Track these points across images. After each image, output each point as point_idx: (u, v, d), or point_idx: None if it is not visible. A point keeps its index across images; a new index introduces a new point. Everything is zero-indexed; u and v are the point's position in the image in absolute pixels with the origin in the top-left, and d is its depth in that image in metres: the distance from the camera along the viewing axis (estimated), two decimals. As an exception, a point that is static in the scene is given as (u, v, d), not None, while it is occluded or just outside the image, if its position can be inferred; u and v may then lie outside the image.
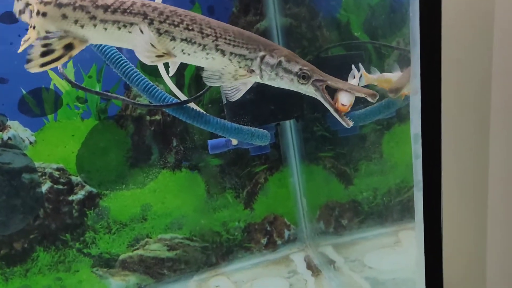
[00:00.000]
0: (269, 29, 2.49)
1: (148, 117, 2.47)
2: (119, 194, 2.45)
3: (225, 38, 1.34)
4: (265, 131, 2.05)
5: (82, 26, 1.31)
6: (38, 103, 2.32)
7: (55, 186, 2.34)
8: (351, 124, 1.36)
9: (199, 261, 2.56)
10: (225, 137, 2.09)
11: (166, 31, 1.31)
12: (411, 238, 2.34)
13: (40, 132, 2.33)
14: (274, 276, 2.51)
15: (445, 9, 1.07)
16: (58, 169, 2.36)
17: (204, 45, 1.33)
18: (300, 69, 1.33)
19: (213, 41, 1.33)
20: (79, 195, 2.39)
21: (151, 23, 1.30)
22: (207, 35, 1.33)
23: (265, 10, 2.47)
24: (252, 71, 1.36)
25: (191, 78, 2.48)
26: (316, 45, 2.44)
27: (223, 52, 1.34)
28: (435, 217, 1.20)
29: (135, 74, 1.78)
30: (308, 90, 1.35)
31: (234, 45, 1.34)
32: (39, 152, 2.33)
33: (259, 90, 2.09)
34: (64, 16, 1.31)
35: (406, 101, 1.84)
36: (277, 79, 1.36)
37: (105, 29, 1.31)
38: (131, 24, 1.31)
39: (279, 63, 1.33)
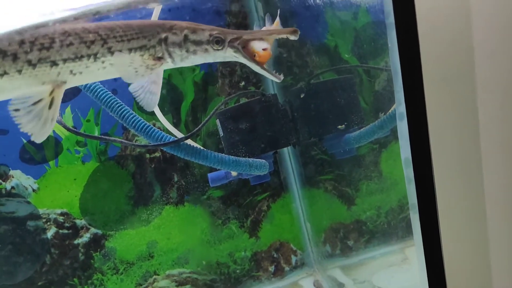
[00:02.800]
0: (259, 60, 2.54)
1: (148, 155, 2.51)
2: (124, 234, 2.47)
3: (114, 37, 1.17)
4: (263, 160, 2.07)
5: None
6: (38, 151, 2.36)
7: (60, 231, 2.36)
8: (281, 78, 1.26)
9: (209, 294, 2.56)
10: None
11: (40, 59, 1.11)
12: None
13: (42, 179, 2.37)
14: (285, 304, 2.51)
15: (423, 35, 1.10)
16: (62, 214, 2.38)
17: (95, 55, 1.15)
18: (210, 35, 1.21)
19: (102, 46, 1.16)
20: (85, 238, 2.41)
21: (15, 58, 1.09)
22: (92, 42, 1.15)
23: (254, 42, 2.53)
24: (160, 58, 1.21)
25: (187, 113, 2.53)
26: (307, 71, 2.49)
27: (120, 53, 1.18)
28: (434, 237, 1.22)
29: (131, 115, 1.82)
30: (226, 54, 1.23)
31: (128, 40, 1.18)
32: (43, 199, 2.36)
33: (254, 120, 2.13)
34: None
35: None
36: (190, 55, 1.23)
37: None
38: None
39: (185, 37, 1.21)
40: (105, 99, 1.78)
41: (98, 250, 2.42)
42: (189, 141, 1.92)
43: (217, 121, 2.21)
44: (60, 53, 1.11)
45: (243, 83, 2.56)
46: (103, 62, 1.16)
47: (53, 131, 2.37)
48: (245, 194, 2.63)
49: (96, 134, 2.43)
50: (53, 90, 1.13)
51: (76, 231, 2.40)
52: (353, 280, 2.40)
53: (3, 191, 2.28)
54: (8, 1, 1.25)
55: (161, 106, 2.08)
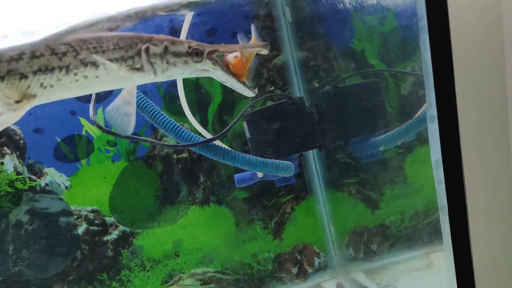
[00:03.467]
0: (286, 63, 2.58)
1: (175, 156, 2.56)
2: (151, 232, 2.53)
3: (88, 49, 1.13)
4: (289, 162, 2.10)
5: None
6: (71, 150, 2.44)
7: (91, 227, 2.43)
8: (255, 92, 1.29)
9: (232, 294, 2.60)
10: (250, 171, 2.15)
11: (9, 71, 1.07)
12: (443, 260, 2.33)
13: (74, 176, 2.45)
14: (308, 306, 2.53)
15: (455, 37, 1.12)
16: (92, 211, 2.45)
17: (67, 66, 1.10)
18: (189, 47, 1.21)
19: (75, 57, 1.11)
20: (113, 235, 2.47)
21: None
22: (65, 54, 1.10)
23: (281, 46, 2.57)
24: (138, 69, 1.19)
25: (214, 115, 2.57)
26: (333, 75, 2.52)
27: (94, 65, 1.13)
28: (463, 240, 1.22)
29: (161, 116, 1.86)
30: (205, 67, 1.23)
31: (103, 51, 1.14)
32: (75, 196, 2.43)
33: (280, 123, 2.16)
34: None
35: (426, 125, 1.88)
36: (171, 67, 1.22)
37: None
38: None
39: (166, 48, 1.20)
40: (136, 99, 1.83)
41: (126, 247, 2.48)
42: (217, 142, 1.95)
43: (244, 123, 2.24)
44: (30, 65, 1.07)
45: (269, 86, 2.60)
46: (75, 74, 1.12)
47: (85, 131, 2.45)
48: (270, 196, 2.66)
49: (127, 134, 2.49)
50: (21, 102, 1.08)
51: (105, 228, 2.47)
52: (377, 284, 2.40)
53: (38, 188, 2.36)
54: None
55: (189, 108, 2.13)
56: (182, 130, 1.87)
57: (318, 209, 2.69)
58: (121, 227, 2.49)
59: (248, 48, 1.25)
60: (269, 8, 2.54)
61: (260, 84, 2.61)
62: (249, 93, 1.30)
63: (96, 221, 2.45)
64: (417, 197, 2.54)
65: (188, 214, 2.57)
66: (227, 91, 2.55)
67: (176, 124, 1.87)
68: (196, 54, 1.21)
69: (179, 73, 1.26)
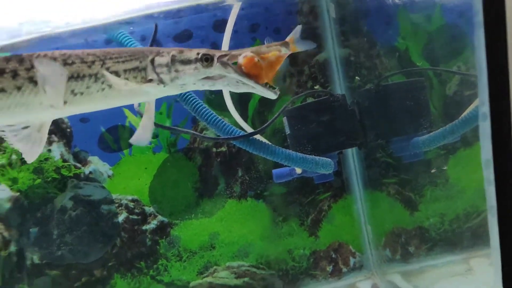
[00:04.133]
0: (328, 60, 2.56)
1: (214, 149, 2.60)
2: (188, 223, 2.57)
3: (111, 59, 1.20)
4: (329, 159, 2.09)
5: None
6: (115, 140, 2.52)
7: (131, 216, 2.49)
8: (277, 93, 1.27)
9: (266, 289, 2.61)
10: (289, 167, 2.15)
11: None
12: (483, 266, 2.27)
13: (116, 166, 2.53)
14: (342, 304, 2.51)
15: (511, 35, 1.09)
16: (133, 200, 2.52)
17: (95, 74, 1.17)
18: (198, 53, 1.23)
19: (102, 66, 1.18)
20: (152, 224, 2.53)
21: (14, 75, 1.10)
22: (93, 62, 1.17)
23: (324, 43, 2.55)
24: (150, 80, 1.23)
25: (254, 110, 2.59)
26: (375, 73, 2.48)
27: (116, 74, 1.20)
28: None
29: (204, 109, 1.89)
30: (216, 71, 1.24)
31: (123, 61, 1.21)
32: (116, 185, 2.51)
33: (321, 119, 2.15)
34: None
35: (472, 125, 1.83)
36: (180, 76, 1.24)
37: None
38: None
39: (173, 58, 1.23)
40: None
41: (164, 237, 2.54)
42: (258, 137, 1.97)
43: (284, 119, 2.24)
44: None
45: (310, 82, 2.59)
46: (102, 83, 1.18)
47: (129, 122, 2.52)
48: (307, 193, 2.66)
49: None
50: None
51: (144, 217, 2.53)
52: (414, 287, 2.36)
53: (82, 175, 2.44)
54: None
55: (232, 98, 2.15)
56: (224, 123, 1.90)
57: (355, 208, 2.67)
58: (160, 217, 2.55)
59: (262, 49, 1.25)
60: (313, 4, 2.53)
61: (301, 80, 2.61)
62: (270, 95, 1.28)
63: (136, 210, 2.51)
64: (458, 200, 2.48)
65: (225, 208, 2.60)
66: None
67: (218, 117, 1.89)
68: (205, 60, 1.22)
69: (192, 82, 1.26)
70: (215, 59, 1.22)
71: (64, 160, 2.43)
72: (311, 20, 2.54)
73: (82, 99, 1.17)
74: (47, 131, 1.24)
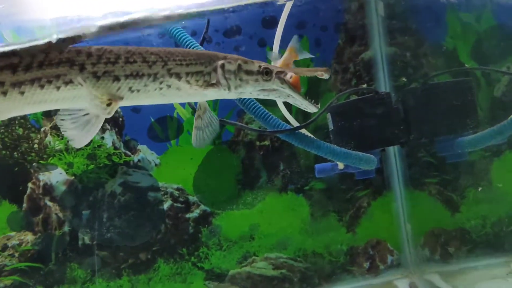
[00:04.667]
0: (374, 58, 2.57)
1: (257, 143, 2.66)
2: (229, 214, 2.65)
3: (174, 60, 1.22)
4: (372, 156, 2.10)
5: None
6: (163, 130, 2.62)
7: (175, 204, 2.59)
8: (318, 107, 1.36)
9: (302, 281, 2.65)
10: (332, 162, 2.18)
11: (105, 72, 1.15)
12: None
13: (164, 155, 2.64)
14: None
15: None
16: (178, 189, 2.63)
17: (155, 74, 1.19)
18: (260, 66, 1.29)
19: (163, 67, 1.20)
20: (195, 213, 2.62)
21: (82, 69, 1.13)
22: (154, 63, 1.19)
23: (370, 41, 2.56)
24: (213, 84, 1.27)
25: (298, 106, 2.63)
26: (421, 72, 2.48)
27: (178, 76, 1.22)
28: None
29: (251, 102, 1.94)
30: (273, 85, 1.30)
31: (187, 64, 1.23)
32: (163, 173, 2.62)
33: (365, 117, 2.17)
34: None
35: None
36: (243, 84, 1.29)
37: (22, 93, 1.09)
38: (58, 77, 1.10)
39: (239, 67, 1.29)
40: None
41: (206, 226, 2.63)
42: (303, 131, 2.00)
43: (328, 115, 2.27)
44: (124, 69, 1.16)
45: (355, 80, 2.61)
46: (161, 83, 1.20)
47: (177, 113, 2.62)
48: (347, 189, 2.69)
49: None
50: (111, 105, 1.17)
51: (188, 206, 2.63)
52: (452, 287, 2.36)
53: (131, 163, 2.56)
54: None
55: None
56: (270, 116, 1.94)
57: (395, 206, 2.67)
58: (202, 207, 2.64)
59: (311, 72, 1.35)
60: (362, 2, 2.55)
61: (346, 78, 2.63)
62: (313, 109, 1.37)
63: (181, 199, 2.61)
64: (501, 203, 2.46)
65: (266, 200, 2.66)
66: (313, 83, 2.60)
67: (265, 111, 1.94)
68: (266, 73, 1.29)
69: (249, 91, 1.34)
70: (273, 75, 1.30)
71: (116, 148, 2.55)
72: (359, 18, 2.56)
73: (139, 96, 1.21)
74: (103, 120, 1.31)
